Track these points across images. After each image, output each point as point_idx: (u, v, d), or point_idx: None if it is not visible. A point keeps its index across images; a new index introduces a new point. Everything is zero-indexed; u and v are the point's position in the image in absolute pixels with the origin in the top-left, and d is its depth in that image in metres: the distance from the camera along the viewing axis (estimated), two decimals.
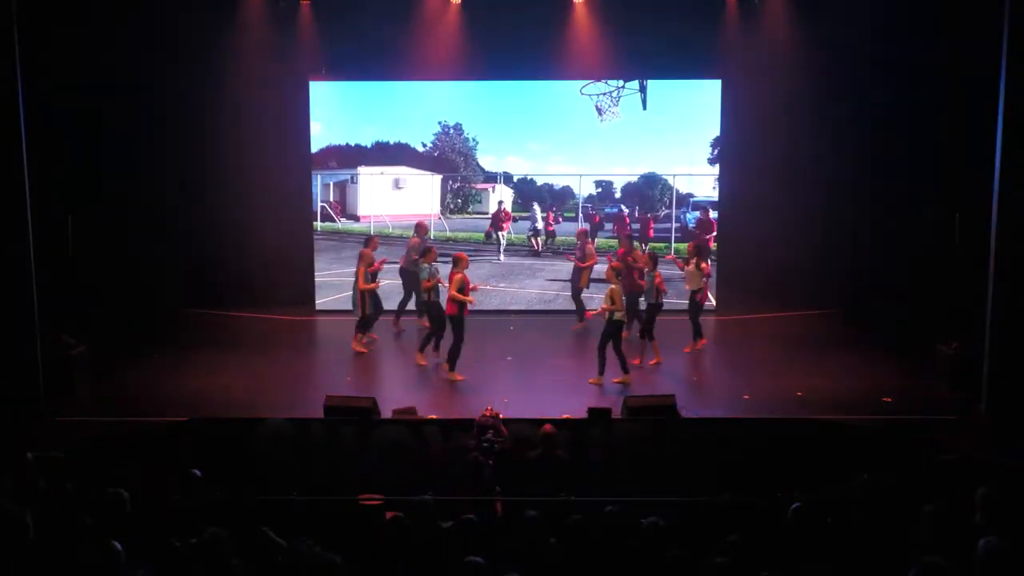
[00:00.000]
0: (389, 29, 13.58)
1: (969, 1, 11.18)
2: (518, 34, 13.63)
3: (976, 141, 10.04)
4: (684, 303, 11.98)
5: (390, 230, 15.06)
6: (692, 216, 14.72)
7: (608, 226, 14.97)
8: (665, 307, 11.49)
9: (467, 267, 10.77)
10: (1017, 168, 8.93)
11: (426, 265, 11.13)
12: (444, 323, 10.93)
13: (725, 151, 14.41)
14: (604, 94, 14.41)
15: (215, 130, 13.86)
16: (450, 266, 10.77)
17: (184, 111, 13.69)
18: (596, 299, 12.37)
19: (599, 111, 14.45)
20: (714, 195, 14.60)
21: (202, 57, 13.56)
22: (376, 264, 11.89)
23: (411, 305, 12.66)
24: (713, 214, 14.51)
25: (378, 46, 13.70)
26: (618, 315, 10.31)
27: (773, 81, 13.69)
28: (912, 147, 12.91)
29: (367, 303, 11.73)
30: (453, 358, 10.60)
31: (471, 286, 10.73)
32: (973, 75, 10.92)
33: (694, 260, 11.80)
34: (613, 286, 10.36)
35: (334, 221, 14.94)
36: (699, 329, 11.80)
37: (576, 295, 13.35)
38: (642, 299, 11.51)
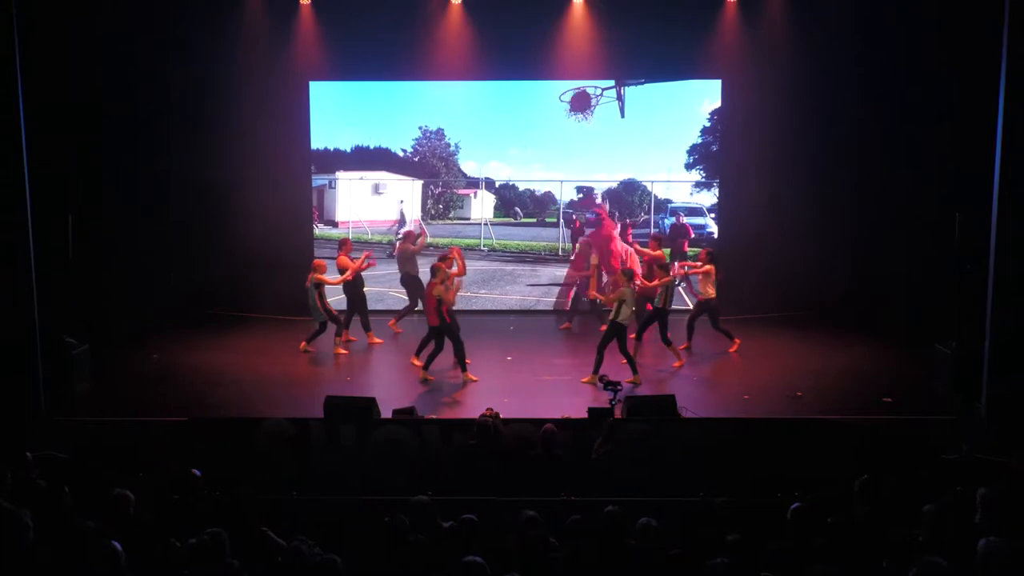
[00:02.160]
0: (389, 29, 13.57)
1: (969, 1, 11.17)
2: (519, 34, 13.62)
3: (976, 141, 10.04)
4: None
5: (368, 236, 14.96)
6: (669, 221, 14.73)
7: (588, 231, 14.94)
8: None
9: (445, 277, 10.72)
10: (1017, 168, 8.93)
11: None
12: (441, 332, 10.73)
13: (724, 150, 14.41)
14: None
15: (215, 130, 13.83)
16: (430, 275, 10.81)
17: (184, 111, 13.68)
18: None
19: (572, 112, 14.43)
20: (692, 201, 14.65)
21: (202, 57, 13.55)
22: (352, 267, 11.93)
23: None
24: (685, 219, 14.57)
25: (378, 46, 13.69)
26: (621, 318, 10.30)
27: (772, 81, 13.67)
28: (912, 147, 12.90)
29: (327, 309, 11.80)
30: (430, 359, 10.64)
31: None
32: (973, 75, 10.91)
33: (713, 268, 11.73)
34: (623, 288, 10.36)
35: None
36: (727, 331, 11.86)
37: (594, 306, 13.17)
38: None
